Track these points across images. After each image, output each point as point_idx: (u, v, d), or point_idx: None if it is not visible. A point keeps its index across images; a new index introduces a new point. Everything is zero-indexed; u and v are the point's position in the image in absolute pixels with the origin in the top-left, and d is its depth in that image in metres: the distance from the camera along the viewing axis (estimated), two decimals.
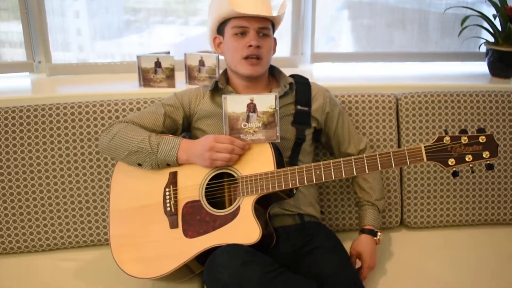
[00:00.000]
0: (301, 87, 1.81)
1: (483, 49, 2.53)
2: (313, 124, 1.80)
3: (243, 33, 1.68)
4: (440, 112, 2.05)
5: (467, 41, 2.59)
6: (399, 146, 2.06)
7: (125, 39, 2.64)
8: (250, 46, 1.65)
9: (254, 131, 1.59)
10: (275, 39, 1.80)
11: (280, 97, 1.71)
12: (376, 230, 1.77)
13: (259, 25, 1.67)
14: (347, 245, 1.72)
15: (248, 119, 1.59)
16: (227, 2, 1.65)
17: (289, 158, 1.74)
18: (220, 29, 1.75)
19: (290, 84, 1.78)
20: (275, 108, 1.58)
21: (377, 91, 2.07)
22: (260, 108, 1.59)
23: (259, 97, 1.59)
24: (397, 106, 2.06)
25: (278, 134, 1.59)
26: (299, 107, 1.77)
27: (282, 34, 2.60)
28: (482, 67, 2.56)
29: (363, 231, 1.78)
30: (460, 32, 2.47)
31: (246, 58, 1.67)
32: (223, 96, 1.60)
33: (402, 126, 2.05)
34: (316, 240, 1.66)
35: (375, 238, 1.75)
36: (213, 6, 1.74)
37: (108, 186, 1.92)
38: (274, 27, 1.77)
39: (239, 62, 1.70)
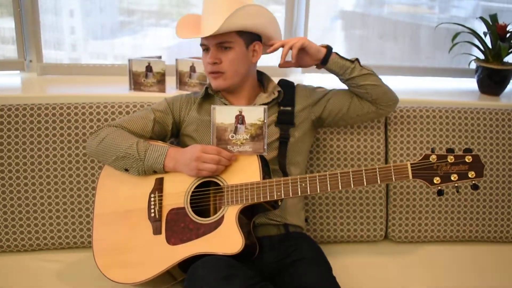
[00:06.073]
0: (285, 89, 1.82)
1: (473, 65, 2.55)
2: (304, 121, 1.80)
3: (207, 49, 1.71)
4: (428, 127, 2.06)
5: (458, 57, 2.61)
6: (386, 161, 2.07)
7: (118, 40, 2.63)
8: (209, 63, 1.70)
9: (241, 143, 1.60)
10: (257, 44, 1.73)
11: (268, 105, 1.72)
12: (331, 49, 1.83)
13: (216, 41, 1.66)
14: (330, 258, 1.71)
15: (236, 130, 1.59)
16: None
17: (277, 157, 1.74)
18: None
19: (279, 91, 1.79)
20: (263, 120, 1.59)
21: None
22: (248, 120, 1.59)
23: (248, 109, 1.60)
24: (386, 120, 2.07)
25: (265, 147, 1.59)
26: (282, 108, 1.79)
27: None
28: (471, 83, 2.58)
29: None
30: (451, 48, 2.48)
31: (211, 73, 1.72)
32: (212, 106, 1.61)
33: (390, 140, 2.06)
34: (299, 251, 1.66)
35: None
36: None
37: (94, 188, 1.91)
38: (253, 34, 1.71)
39: (208, 76, 1.75)
